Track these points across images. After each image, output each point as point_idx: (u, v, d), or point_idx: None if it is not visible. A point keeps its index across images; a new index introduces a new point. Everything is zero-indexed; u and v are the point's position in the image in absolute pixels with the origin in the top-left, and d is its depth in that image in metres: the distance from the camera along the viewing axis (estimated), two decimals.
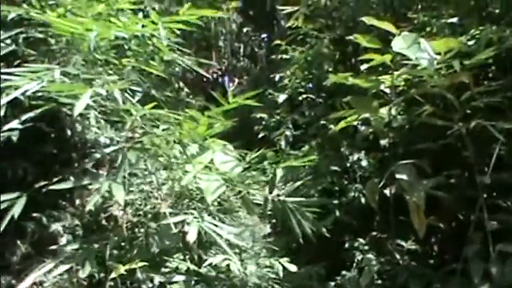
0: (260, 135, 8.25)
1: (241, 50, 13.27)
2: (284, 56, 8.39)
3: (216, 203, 5.22)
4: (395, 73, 5.13)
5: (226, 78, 12.86)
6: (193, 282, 4.49)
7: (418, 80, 5.33)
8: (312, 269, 6.22)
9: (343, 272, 5.81)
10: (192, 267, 4.49)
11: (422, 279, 5.37)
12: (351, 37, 5.27)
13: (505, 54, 5.60)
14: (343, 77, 5.25)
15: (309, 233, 4.72)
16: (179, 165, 4.48)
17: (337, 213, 6.33)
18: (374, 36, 5.48)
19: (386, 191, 5.57)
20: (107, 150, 4.06)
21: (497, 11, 6.31)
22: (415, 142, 5.65)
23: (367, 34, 5.56)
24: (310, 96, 7.75)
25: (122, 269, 3.84)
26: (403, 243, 5.72)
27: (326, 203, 6.31)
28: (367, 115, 5.53)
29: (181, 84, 10.89)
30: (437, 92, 5.19)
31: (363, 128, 6.46)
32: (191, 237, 3.90)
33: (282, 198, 4.78)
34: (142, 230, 4.57)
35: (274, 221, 6.00)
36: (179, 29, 4.65)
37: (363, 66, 5.07)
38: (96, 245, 4.18)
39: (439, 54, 4.96)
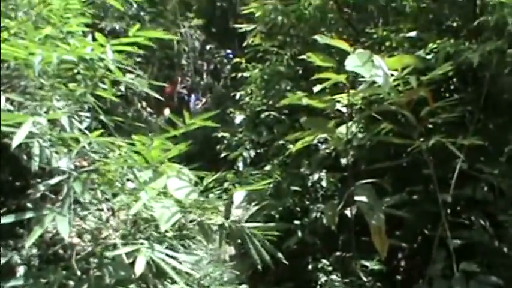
0: (222, 155, 8.11)
1: (205, 67, 13.20)
2: (244, 74, 8.27)
3: (174, 230, 5.08)
4: (351, 92, 5.01)
5: (192, 97, 12.77)
6: None
7: (375, 97, 5.23)
8: None
9: None
10: None
11: None
12: (304, 56, 5.15)
13: (465, 67, 5.54)
14: (298, 97, 5.12)
15: (267, 260, 4.58)
16: (133, 192, 4.33)
17: (300, 234, 6.19)
18: (332, 52, 5.39)
19: (347, 211, 5.43)
20: (52, 181, 3.86)
21: (454, 24, 6.27)
22: (376, 160, 5.55)
23: (325, 51, 5.46)
24: (272, 113, 7.63)
25: None
26: (367, 263, 5.58)
27: (287, 226, 6.18)
28: (324, 135, 5.40)
29: (144, 104, 10.76)
30: (395, 109, 5.09)
31: (322, 146, 6.35)
32: (138, 268, 3.72)
33: (238, 224, 4.63)
34: (96, 260, 4.41)
35: (239, 241, 5.86)
36: (140, 48, 4.49)
37: (316, 88, 4.93)
38: (43, 280, 3.99)
39: (396, 70, 4.88)
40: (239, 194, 6.28)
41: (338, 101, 5.13)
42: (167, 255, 4.03)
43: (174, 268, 4.03)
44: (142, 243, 3.95)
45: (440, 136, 5.00)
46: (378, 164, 5.36)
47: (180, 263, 4.73)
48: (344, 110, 5.23)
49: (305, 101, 4.97)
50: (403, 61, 4.72)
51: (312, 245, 6.26)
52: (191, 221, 4.83)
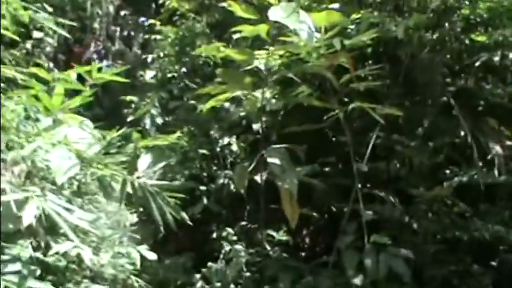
0: (129, 119, 7.72)
1: (117, 33, 12.72)
2: (158, 37, 7.88)
3: (73, 186, 4.74)
4: (271, 48, 4.73)
5: (104, 63, 12.21)
6: (38, 273, 3.94)
7: (295, 58, 4.99)
8: (178, 260, 5.79)
9: (209, 264, 5.40)
10: (36, 255, 3.92)
11: (293, 272, 5.05)
12: (224, 4, 4.83)
13: (386, 42, 5.42)
14: (214, 47, 4.81)
15: (171, 221, 4.28)
16: (27, 139, 3.95)
17: (205, 200, 5.91)
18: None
19: (258, 177, 5.17)
20: None
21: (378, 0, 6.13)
22: (289, 127, 5.31)
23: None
24: (185, 82, 7.28)
25: None
26: (274, 233, 5.36)
27: (193, 189, 5.91)
28: (238, 93, 5.08)
29: (51, 65, 10.20)
30: (315, 71, 4.88)
31: (232, 109, 6.06)
32: (27, 217, 3.33)
33: (141, 180, 4.30)
34: None
35: (141, 209, 5.55)
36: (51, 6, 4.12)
37: (235, 35, 4.63)
38: None
39: (319, 32, 4.66)
40: (145, 159, 5.95)
41: (257, 58, 4.84)
42: (63, 207, 3.69)
43: (67, 222, 3.68)
44: (33, 191, 3.58)
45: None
46: (292, 128, 5.11)
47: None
48: (262, 67, 4.94)
49: (222, 50, 4.65)
50: (330, 18, 4.46)
51: (217, 213, 6.00)
52: (91, 176, 4.51)
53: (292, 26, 4.04)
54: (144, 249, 4.48)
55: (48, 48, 9.87)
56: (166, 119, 7.52)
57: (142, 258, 4.68)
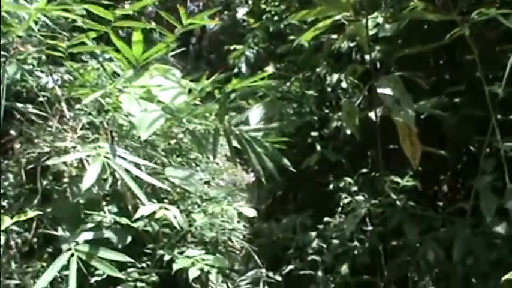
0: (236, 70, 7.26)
1: None
2: None
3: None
4: None
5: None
6: (129, 239, 3.57)
7: None
8: (296, 219, 5.22)
9: (326, 219, 4.76)
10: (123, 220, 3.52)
11: (421, 222, 4.30)
12: None
13: None
14: None
15: (271, 167, 3.73)
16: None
17: (319, 147, 5.27)
18: None
19: (372, 114, 4.40)
20: None
21: None
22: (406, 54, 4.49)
23: None
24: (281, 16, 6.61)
25: (9, 221, 2.98)
26: (398, 179, 4.58)
27: (306, 138, 5.33)
28: (339, 17, 4.30)
29: (153, 24, 9.92)
30: None
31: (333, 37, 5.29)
32: (88, 178, 2.92)
33: (234, 128, 3.82)
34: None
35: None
36: None
37: None
38: None
39: None
40: (256, 111, 5.43)
41: None
42: (134, 165, 3.27)
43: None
44: (99, 147, 3.18)
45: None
46: (407, 51, 4.30)
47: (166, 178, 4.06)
48: None
49: None
50: None
51: (335, 163, 5.33)
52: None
53: None
54: (241, 206, 3.97)
55: (149, 8, 9.64)
56: (278, 65, 6.96)
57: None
